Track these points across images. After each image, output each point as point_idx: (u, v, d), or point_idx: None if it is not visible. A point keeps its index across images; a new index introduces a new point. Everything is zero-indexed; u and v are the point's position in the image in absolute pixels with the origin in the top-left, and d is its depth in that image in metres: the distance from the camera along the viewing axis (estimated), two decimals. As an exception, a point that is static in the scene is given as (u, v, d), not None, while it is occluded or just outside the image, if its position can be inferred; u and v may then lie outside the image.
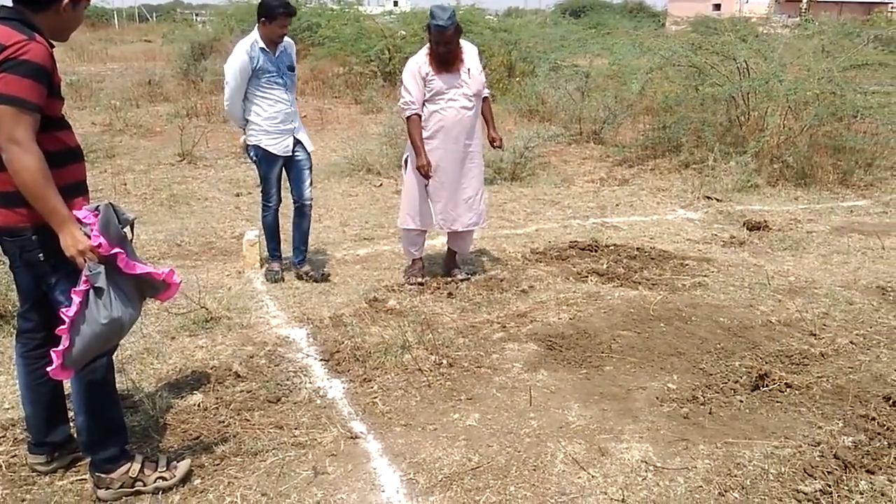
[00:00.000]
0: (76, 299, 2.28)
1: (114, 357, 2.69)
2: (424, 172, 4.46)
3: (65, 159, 2.38)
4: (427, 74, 4.43)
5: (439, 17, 4.27)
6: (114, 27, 36.85)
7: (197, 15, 33.72)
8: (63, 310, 2.30)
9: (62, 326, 2.28)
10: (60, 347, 2.29)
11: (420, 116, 4.48)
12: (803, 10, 19.19)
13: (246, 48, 4.42)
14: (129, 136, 9.76)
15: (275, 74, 4.50)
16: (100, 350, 2.43)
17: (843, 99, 7.91)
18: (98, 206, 2.36)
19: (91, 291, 2.30)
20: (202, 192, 7.17)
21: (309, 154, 4.79)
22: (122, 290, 2.38)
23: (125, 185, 7.23)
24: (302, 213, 4.84)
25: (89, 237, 2.28)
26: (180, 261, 5.16)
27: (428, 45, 4.44)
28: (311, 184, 4.83)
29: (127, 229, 2.46)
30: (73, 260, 2.28)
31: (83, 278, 2.29)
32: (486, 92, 4.68)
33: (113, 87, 13.75)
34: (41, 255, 2.35)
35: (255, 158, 4.70)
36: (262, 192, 4.80)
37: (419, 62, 4.46)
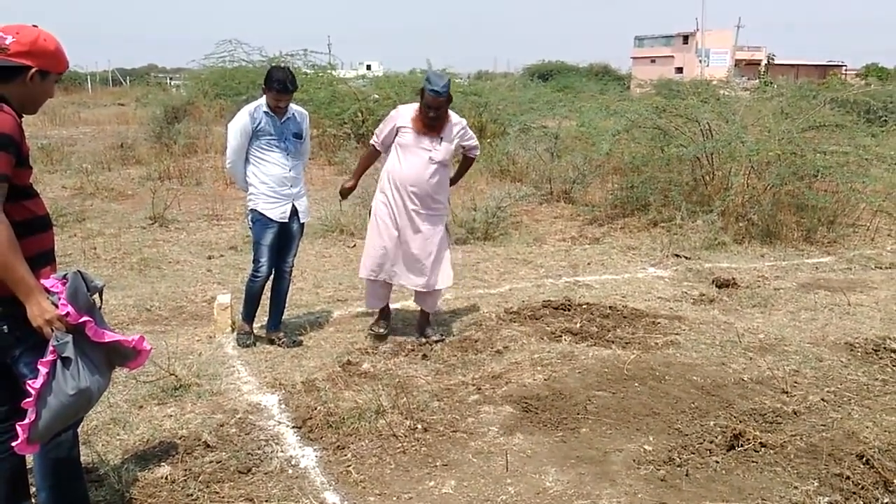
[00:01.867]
0: (42, 370, 2.23)
1: (79, 429, 2.62)
2: (343, 190, 4.89)
3: (33, 228, 2.35)
4: (403, 127, 4.60)
5: (436, 83, 4.45)
6: (87, 91, 36.98)
7: (171, 79, 33.99)
8: (29, 382, 2.24)
9: (28, 399, 2.22)
10: (26, 421, 2.23)
11: (378, 152, 4.84)
12: (762, 73, 19.96)
13: (251, 109, 4.54)
14: (101, 199, 9.69)
15: (275, 138, 4.54)
16: (67, 422, 2.36)
17: (804, 159, 8.17)
18: (66, 274, 2.33)
19: (58, 362, 2.24)
20: (173, 256, 7.11)
21: (303, 225, 4.83)
22: (90, 359, 2.33)
23: (95, 249, 7.15)
24: (281, 276, 4.81)
25: (56, 306, 2.24)
26: (150, 326, 5.08)
27: (419, 105, 4.58)
28: (295, 253, 4.85)
29: (96, 296, 2.43)
30: (40, 330, 2.23)
31: (50, 348, 2.24)
32: (474, 153, 4.99)
33: (85, 150, 13.74)
34: (6, 327, 2.30)
35: (250, 223, 4.71)
36: (253, 258, 4.72)
37: (402, 113, 4.67)
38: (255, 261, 4.69)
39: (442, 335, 4.89)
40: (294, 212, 4.69)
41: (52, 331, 2.24)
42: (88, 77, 43.12)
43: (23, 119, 2.34)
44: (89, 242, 7.36)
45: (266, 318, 4.87)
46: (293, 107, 4.64)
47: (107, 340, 2.37)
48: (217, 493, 3.01)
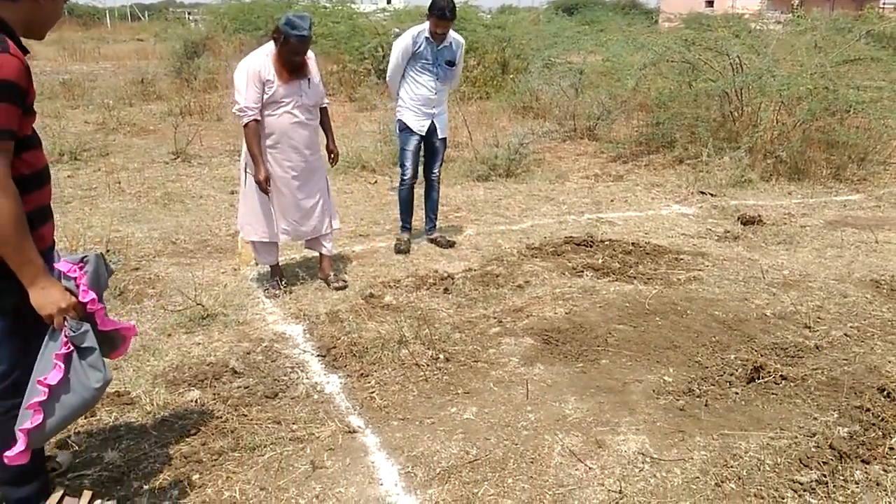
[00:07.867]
0: (59, 364, 1.98)
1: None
2: (263, 187, 4.19)
3: (31, 184, 2.05)
4: (268, 80, 4.11)
5: (300, 26, 3.99)
6: (106, 26, 36.66)
7: (189, 14, 33.56)
8: (40, 378, 1.98)
9: (35, 399, 1.97)
10: (29, 425, 1.98)
11: (258, 122, 4.14)
12: (795, 6, 19.24)
13: (413, 33, 5.05)
14: (123, 134, 9.72)
15: (430, 63, 5.08)
16: (73, 420, 2.14)
17: (836, 94, 7.93)
18: (84, 257, 2.10)
19: (74, 354, 2.01)
20: (197, 190, 7.15)
21: (444, 140, 5.42)
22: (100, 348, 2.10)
23: (119, 183, 7.21)
24: (430, 186, 5.52)
25: (73, 293, 2.02)
26: (176, 258, 5.16)
27: (273, 50, 4.10)
28: (440, 163, 5.48)
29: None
30: (49, 319, 1.98)
31: (63, 339, 1.99)
32: (325, 102, 4.52)
33: (106, 85, 13.70)
34: None
35: (397, 130, 5.37)
36: (399, 165, 5.38)
37: (258, 65, 4.08)
38: (401, 166, 5.34)
39: (342, 284, 4.65)
40: (433, 127, 5.28)
41: (64, 320, 1.99)
42: (107, 12, 42.64)
43: (28, 55, 2.01)
44: (113, 177, 7.41)
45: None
46: (452, 34, 5.10)
47: (109, 328, 2.15)
48: (245, 415, 3.10)
